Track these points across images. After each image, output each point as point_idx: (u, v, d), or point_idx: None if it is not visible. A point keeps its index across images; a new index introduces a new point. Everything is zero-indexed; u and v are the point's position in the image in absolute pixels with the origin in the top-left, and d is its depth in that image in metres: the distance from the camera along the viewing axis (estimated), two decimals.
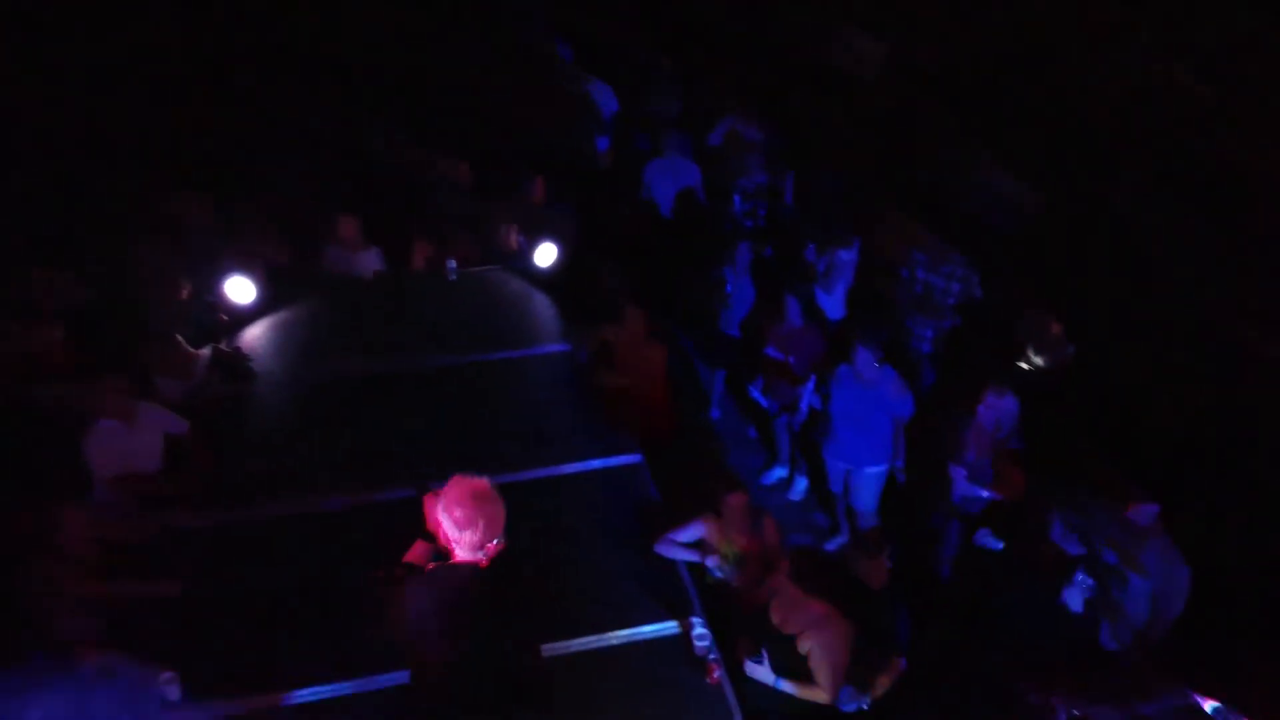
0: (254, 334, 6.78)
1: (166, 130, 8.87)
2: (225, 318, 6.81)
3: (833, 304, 7.32)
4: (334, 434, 5.80)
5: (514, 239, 7.78)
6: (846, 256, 7.34)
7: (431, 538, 3.27)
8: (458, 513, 3.02)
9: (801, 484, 7.19)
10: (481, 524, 3.01)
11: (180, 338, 6.21)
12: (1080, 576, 4.38)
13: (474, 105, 9.66)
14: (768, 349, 6.75)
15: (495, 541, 3.04)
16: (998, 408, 5.58)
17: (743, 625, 4.59)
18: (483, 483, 3.09)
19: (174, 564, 4.84)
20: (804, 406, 6.50)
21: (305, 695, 4.19)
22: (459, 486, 3.06)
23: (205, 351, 6.36)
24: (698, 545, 5.01)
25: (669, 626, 4.53)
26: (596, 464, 5.59)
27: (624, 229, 8.44)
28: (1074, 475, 5.23)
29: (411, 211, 8.25)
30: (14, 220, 7.30)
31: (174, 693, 4.01)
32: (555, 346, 6.73)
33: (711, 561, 4.95)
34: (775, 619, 4.39)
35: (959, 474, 5.63)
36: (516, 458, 5.54)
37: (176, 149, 8.66)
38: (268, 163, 8.44)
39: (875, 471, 6.16)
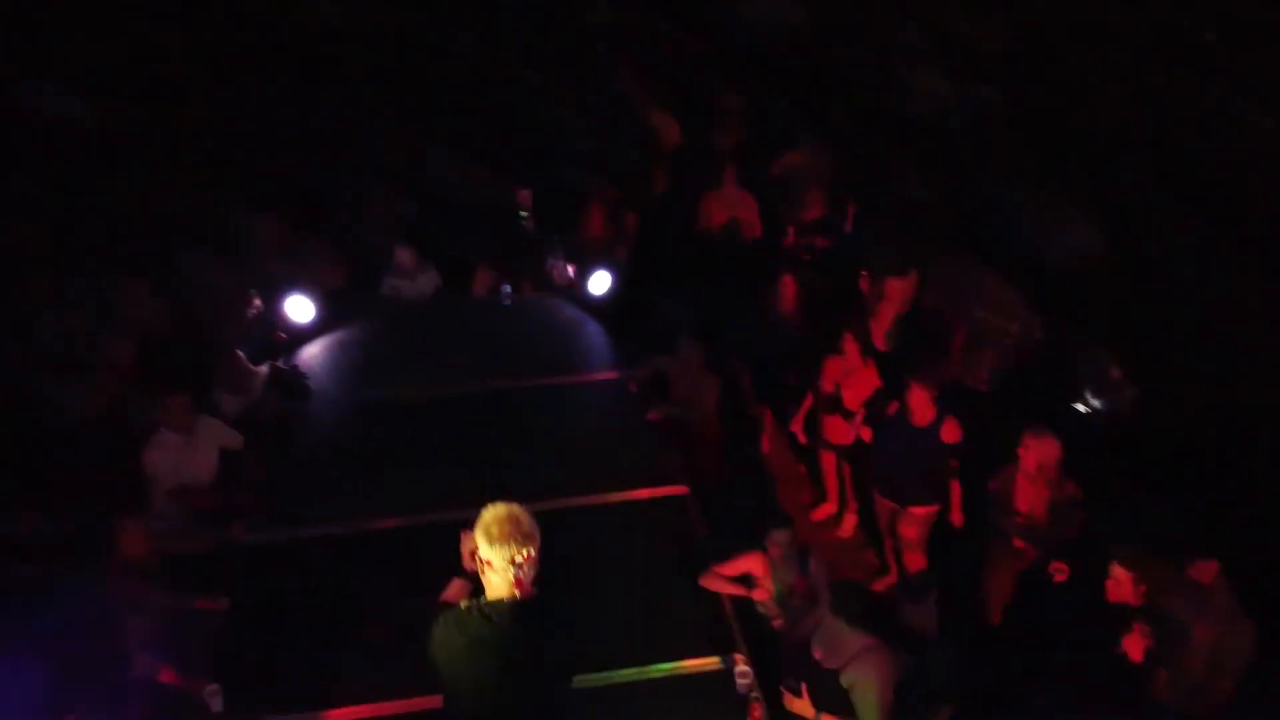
0: (311, 353, 6.91)
1: (243, 147, 9.09)
2: (284, 336, 6.94)
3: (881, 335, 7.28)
4: (385, 455, 5.87)
5: (568, 268, 7.84)
6: (899, 286, 7.27)
7: (469, 575, 3.24)
8: (494, 530, 2.97)
9: (850, 521, 7.08)
10: (512, 542, 2.95)
11: (241, 354, 6.34)
12: (1140, 627, 4.24)
13: (537, 131, 9.79)
14: (821, 385, 6.69)
15: (531, 558, 3.00)
16: (1038, 451, 5.43)
17: (785, 661, 4.52)
18: (516, 507, 3.04)
19: (224, 577, 4.92)
20: (852, 439, 6.43)
21: (347, 714, 4.21)
22: (492, 510, 3.02)
23: (264, 368, 6.49)
24: (744, 580, 4.96)
25: (711, 662, 4.48)
26: (644, 494, 5.56)
27: (681, 259, 8.45)
28: (1136, 526, 5.09)
29: (472, 237, 8.36)
30: (88, 231, 7.53)
31: (217, 704, 4.07)
32: (607, 374, 6.74)
33: (760, 597, 4.89)
34: (818, 653, 4.31)
35: (1012, 528, 5.49)
36: (564, 484, 5.54)
37: (253, 167, 8.86)
38: (340, 185, 8.63)
39: (925, 513, 6.05)
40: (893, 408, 5.99)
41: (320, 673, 4.39)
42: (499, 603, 2.98)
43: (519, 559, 2.95)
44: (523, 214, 8.61)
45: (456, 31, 10.70)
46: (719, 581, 4.95)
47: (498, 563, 2.95)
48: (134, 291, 6.72)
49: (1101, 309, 7.70)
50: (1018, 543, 5.47)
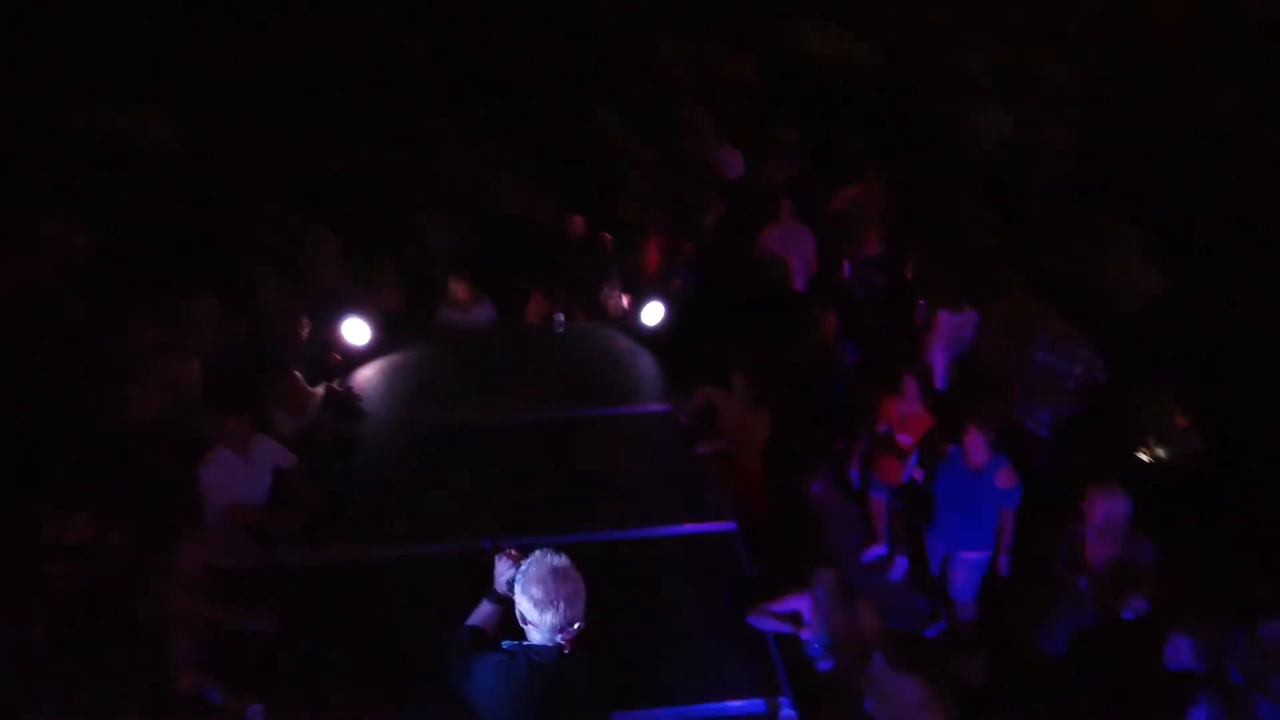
0: (366, 375, 6.97)
1: (315, 172, 9.29)
2: (339, 358, 7.02)
3: (939, 372, 7.17)
4: (435, 480, 5.87)
5: (622, 298, 7.85)
6: (953, 320, 7.14)
7: (500, 600, 3.18)
8: (536, 591, 2.87)
9: (902, 565, 6.94)
10: (561, 605, 2.86)
11: (299, 374, 6.42)
12: (1204, 697, 4.07)
13: (600, 161, 9.87)
14: (879, 426, 6.60)
15: (576, 625, 2.92)
16: (1107, 508, 5.25)
17: (834, 710, 4.41)
18: (563, 560, 2.94)
19: (273, 596, 4.94)
20: (905, 479, 6.31)
21: None
22: (538, 565, 2.92)
23: (319, 389, 6.56)
24: (792, 620, 4.87)
25: (756, 704, 4.38)
26: (691, 529, 5.50)
27: (737, 293, 8.43)
28: (1201, 584, 4.91)
29: (528, 265, 8.43)
30: (160, 251, 7.73)
31: None
32: (657, 406, 6.71)
33: (807, 636, 4.80)
34: (870, 705, 4.21)
35: (1079, 584, 5.31)
36: (611, 516, 5.51)
37: (322, 191, 9.06)
38: (406, 211, 8.77)
39: (976, 559, 5.90)
40: (947, 450, 5.87)
41: (363, 696, 4.37)
42: (545, 652, 2.92)
43: (567, 633, 2.90)
44: (578, 235, 8.71)
45: (529, 67, 10.90)
46: (766, 619, 4.87)
47: (544, 628, 2.89)
48: (202, 309, 6.85)
49: (1167, 354, 7.52)
50: (1086, 597, 5.29)
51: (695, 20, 11.54)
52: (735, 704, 4.39)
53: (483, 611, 3.21)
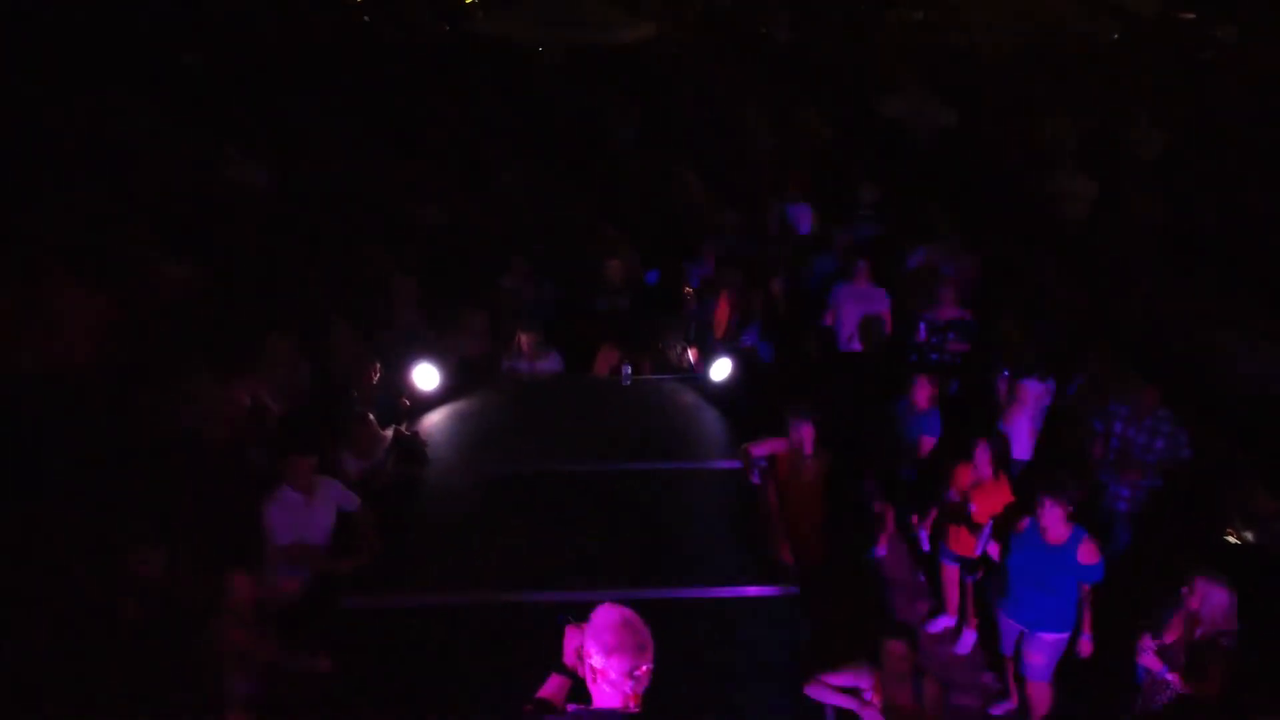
0: (433, 421, 7.04)
1: (397, 216, 9.55)
2: (408, 402, 7.10)
3: (1016, 440, 6.94)
4: (497, 529, 5.86)
5: (690, 354, 7.83)
6: (1035, 389, 6.94)
7: (569, 672, 3.14)
8: (607, 638, 2.85)
9: (970, 638, 6.70)
10: (630, 651, 2.82)
11: (372, 418, 6.49)
12: None
13: (673, 218, 9.95)
14: (949, 494, 6.42)
15: (645, 669, 2.85)
16: (1208, 597, 4.98)
17: None
18: (630, 612, 2.91)
19: (328, 637, 4.96)
20: (978, 552, 6.11)
21: None
22: (605, 614, 2.90)
23: (388, 433, 6.62)
24: (852, 693, 4.70)
25: None
26: (752, 591, 5.37)
27: (806, 351, 8.35)
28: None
29: (598, 317, 8.47)
30: (249, 290, 7.99)
31: None
32: (724, 463, 6.62)
33: (868, 716, 4.62)
34: None
35: (1148, 647, 5.05)
36: (670, 573, 5.44)
37: (406, 236, 9.28)
38: (486, 260, 8.92)
39: (1053, 638, 5.65)
40: (1024, 523, 5.66)
41: None
42: (611, 715, 2.86)
43: (637, 673, 2.83)
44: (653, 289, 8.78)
45: (617, 124, 11.12)
46: (825, 691, 4.70)
47: (613, 674, 2.83)
48: (276, 347, 7.00)
49: (1256, 433, 7.22)
50: (1169, 682, 5.02)
51: (777, 80, 11.65)
52: None
53: (551, 684, 3.16)
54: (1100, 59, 14.74)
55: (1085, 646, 5.58)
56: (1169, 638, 5.04)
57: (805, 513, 6.19)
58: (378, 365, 7.02)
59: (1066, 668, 5.75)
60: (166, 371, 6.59)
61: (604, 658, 2.83)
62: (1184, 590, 4.96)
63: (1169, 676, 4.99)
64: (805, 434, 6.27)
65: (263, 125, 10.20)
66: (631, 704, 2.85)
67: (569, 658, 3.13)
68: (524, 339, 7.90)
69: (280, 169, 9.71)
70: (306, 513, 5.50)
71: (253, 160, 9.52)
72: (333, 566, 5.44)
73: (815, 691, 4.70)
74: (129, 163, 9.13)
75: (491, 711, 4.30)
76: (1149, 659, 5.05)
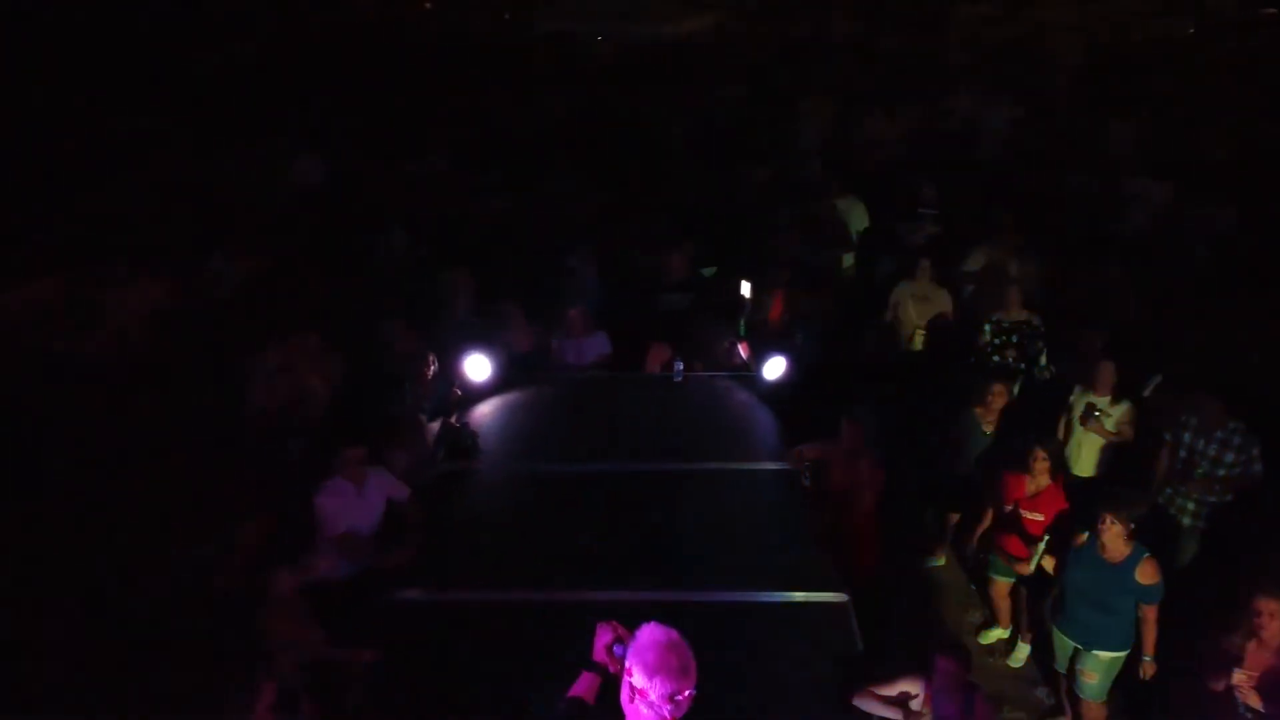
0: (483, 412, 7.02)
1: (453, 212, 9.59)
2: (459, 392, 7.11)
3: (1085, 458, 6.85)
4: (543, 525, 5.81)
5: (742, 351, 7.73)
6: (1111, 411, 6.77)
7: (599, 669, 3.11)
8: (651, 657, 2.82)
9: (1023, 651, 6.55)
10: (674, 672, 2.80)
11: (422, 416, 6.50)
12: None
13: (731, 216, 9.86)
14: (1004, 503, 6.26)
15: (687, 693, 2.82)
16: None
17: None
18: (675, 634, 2.89)
19: (374, 628, 4.97)
20: (1032, 565, 5.95)
21: None
22: (650, 633, 2.88)
23: (436, 425, 6.63)
24: (901, 706, 4.59)
25: None
26: (800, 596, 5.27)
27: (864, 350, 8.22)
28: None
29: (651, 313, 8.41)
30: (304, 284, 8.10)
31: None
32: (774, 464, 6.50)
33: None
34: None
35: (1232, 693, 4.83)
36: (717, 576, 5.32)
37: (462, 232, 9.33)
38: (544, 256, 8.92)
39: (1108, 657, 5.48)
40: (1082, 539, 5.50)
41: None
42: None
43: (678, 697, 2.80)
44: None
45: (670, 127, 11.06)
46: (873, 702, 4.59)
47: (654, 695, 2.80)
48: (308, 342, 7.07)
49: None
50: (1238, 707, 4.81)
51: (839, 75, 11.48)
52: None
53: (583, 682, 3.14)
54: (1174, 57, 14.30)
55: (1146, 669, 5.41)
56: (1243, 662, 4.81)
57: (858, 519, 6.07)
58: (433, 359, 7.04)
59: (1126, 686, 5.59)
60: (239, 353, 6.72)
61: (646, 678, 2.81)
62: (1256, 614, 4.75)
63: (1240, 700, 4.79)
64: (860, 438, 6.15)
65: (320, 122, 10.32)
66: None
67: (599, 655, 3.11)
68: (575, 314, 7.94)
69: (339, 166, 9.81)
70: (357, 502, 5.53)
71: (310, 157, 9.62)
72: (381, 559, 5.45)
73: (863, 702, 4.59)
74: (185, 158, 9.30)
75: (532, 709, 4.30)
76: (1221, 685, 4.83)
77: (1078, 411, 6.97)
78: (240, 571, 4.92)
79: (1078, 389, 7.10)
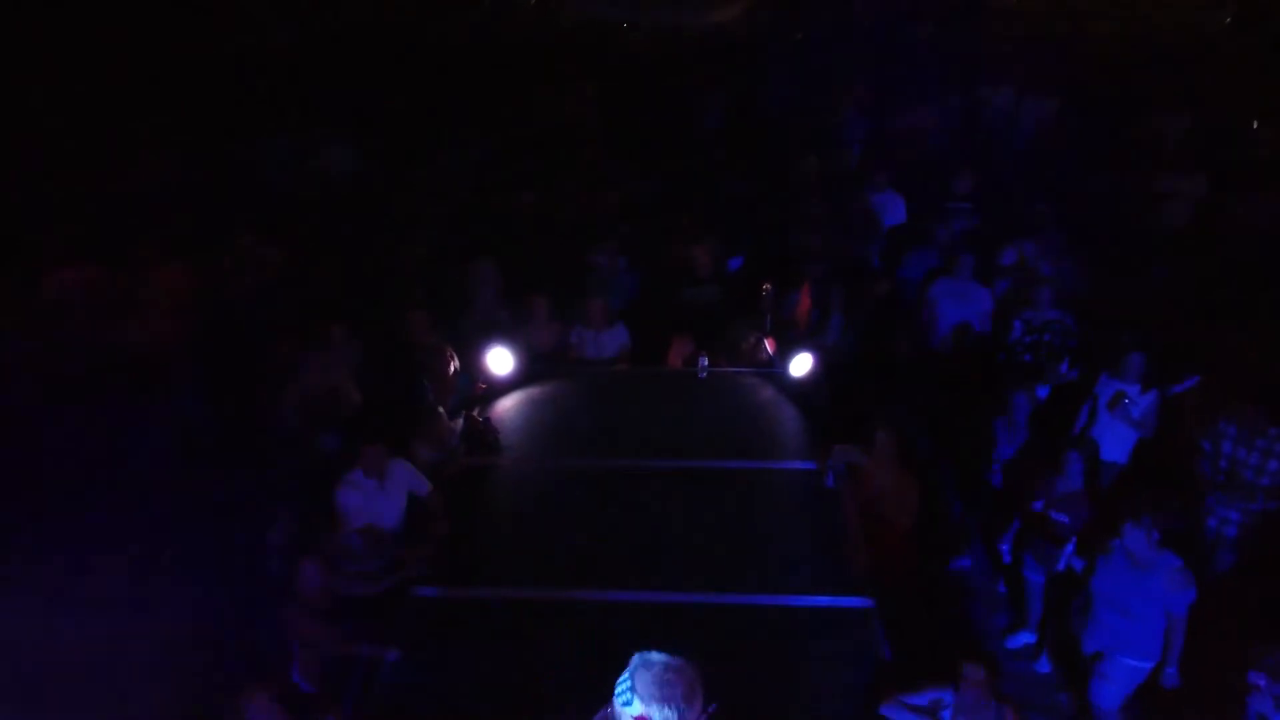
0: (506, 407, 7.00)
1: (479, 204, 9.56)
2: (483, 387, 7.09)
3: (1110, 444, 6.72)
4: (565, 522, 5.82)
5: (767, 346, 7.66)
6: (1139, 399, 6.64)
7: None
8: (652, 690, 2.75)
9: (1049, 656, 6.45)
10: (679, 700, 2.73)
11: (443, 411, 6.49)
12: None
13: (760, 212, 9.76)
14: (1035, 504, 6.16)
15: (711, 709, 2.78)
16: None
17: None
18: (670, 659, 2.82)
19: (394, 622, 4.96)
20: (1061, 567, 5.85)
21: None
22: (646, 668, 2.79)
23: (459, 421, 6.61)
24: (929, 713, 4.53)
25: None
26: (824, 601, 5.20)
27: (895, 350, 8.10)
28: None
29: (680, 308, 8.33)
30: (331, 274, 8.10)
31: None
32: (798, 463, 6.44)
33: None
34: None
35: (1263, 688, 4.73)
36: (741, 578, 5.29)
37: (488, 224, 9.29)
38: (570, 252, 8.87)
39: (1132, 665, 5.37)
40: (1111, 543, 5.39)
41: None
42: None
43: (692, 708, 2.74)
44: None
45: (702, 108, 10.96)
46: (902, 711, 4.54)
47: (668, 713, 2.73)
48: (335, 333, 7.06)
49: None
50: None
51: (872, 64, 11.32)
52: None
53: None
54: (1214, 48, 14.00)
55: (1169, 678, 5.30)
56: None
57: (886, 522, 6.00)
58: (453, 355, 7.02)
59: (1151, 699, 5.49)
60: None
61: (646, 703, 2.75)
62: None
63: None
64: (890, 441, 6.08)
65: (352, 110, 10.30)
66: None
67: None
68: (595, 306, 7.90)
69: (370, 154, 9.79)
70: (378, 497, 5.52)
71: (342, 146, 9.61)
72: (402, 555, 5.44)
73: (891, 711, 4.55)
74: (219, 144, 9.31)
75: (554, 705, 4.27)
76: (1263, 702, 4.73)
77: (1104, 398, 6.86)
78: (273, 563, 4.93)
79: (1104, 376, 6.98)
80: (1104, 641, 5.44)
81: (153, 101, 9.02)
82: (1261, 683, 4.68)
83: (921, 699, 4.55)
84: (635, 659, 2.84)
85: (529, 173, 9.91)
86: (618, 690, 2.83)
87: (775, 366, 7.48)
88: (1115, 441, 6.94)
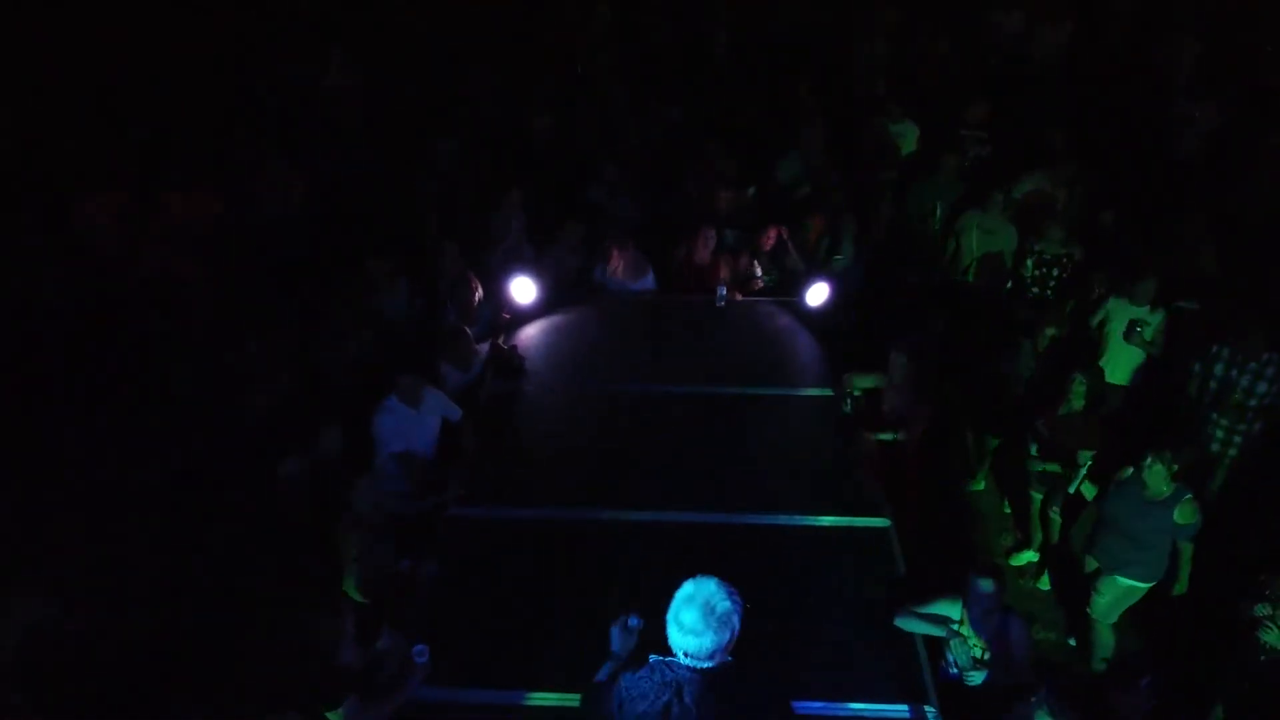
0: (530, 334, 7.16)
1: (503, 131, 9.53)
2: (507, 315, 7.23)
3: (1117, 367, 6.92)
4: (589, 446, 6.03)
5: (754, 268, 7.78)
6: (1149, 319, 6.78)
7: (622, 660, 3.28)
8: (687, 619, 2.88)
9: (1051, 574, 6.71)
10: (714, 629, 2.86)
11: (469, 332, 6.64)
12: None
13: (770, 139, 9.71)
14: (1040, 428, 6.36)
15: (730, 642, 2.94)
16: None
17: None
18: (713, 593, 2.91)
19: (436, 541, 5.20)
20: (1070, 490, 6.07)
21: (526, 698, 4.28)
22: (687, 598, 2.91)
23: (485, 346, 6.78)
24: (941, 623, 4.76)
25: (900, 710, 4.28)
26: (842, 521, 5.43)
27: (909, 279, 8.19)
28: None
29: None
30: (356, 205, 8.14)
31: (424, 663, 4.20)
32: (817, 390, 6.62)
33: (952, 656, 4.69)
34: None
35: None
36: (760, 500, 5.50)
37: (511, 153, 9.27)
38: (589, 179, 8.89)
39: (1127, 585, 5.59)
40: (1125, 472, 5.58)
41: (508, 653, 4.50)
42: (689, 676, 2.92)
43: (727, 637, 2.90)
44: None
45: (714, 38, 10.81)
46: (915, 621, 4.76)
47: (704, 642, 2.87)
48: (380, 271, 7.15)
49: None
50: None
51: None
52: (874, 707, 4.28)
53: (607, 670, 3.28)
54: None
55: (1179, 592, 5.50)
56: None
57: (900, 445, 6.20)
58: (477, 284, 7.14)
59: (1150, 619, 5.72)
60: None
61: (694, 639, 2.88)
62: None
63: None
64: (904, 365, 6.24)
65: (365, 30, 10.17)
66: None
67: (620, 652, 3.29)
68: (616, 254, 7.86)
69: (384, 75, 9.71)
70: (412, 421, 5.71)
71: (353, 64, 9.52)
72: (437, 472, 5.67)
73: (904, 621, 4.75)
74: (237, 67, 9.24)
75: (574, 623, 4.47)
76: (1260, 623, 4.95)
77: (1114, 322, 6.98)
78: (322, 484, 5.11)
79: (1113, 299, 7.07)
80: (1106, 561, 5.65)
81: (167, 27, 8.91)
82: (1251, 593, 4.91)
83: (932, 610, 4.78)
84: (684, 586, 2.96)
85: (547, 97, 9.83)
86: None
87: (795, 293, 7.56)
88: (1123, 364, 7.05)
